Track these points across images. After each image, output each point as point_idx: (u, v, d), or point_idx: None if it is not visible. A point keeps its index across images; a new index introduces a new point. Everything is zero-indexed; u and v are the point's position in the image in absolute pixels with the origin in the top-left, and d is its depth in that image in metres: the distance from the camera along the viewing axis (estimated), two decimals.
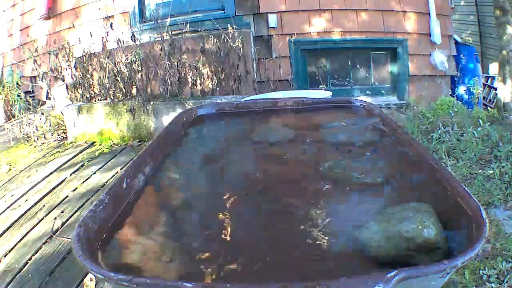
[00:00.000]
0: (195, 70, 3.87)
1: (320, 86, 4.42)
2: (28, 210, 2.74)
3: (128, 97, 3.95)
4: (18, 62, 5.02)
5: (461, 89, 4.57)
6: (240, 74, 3.94)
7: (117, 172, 3.24)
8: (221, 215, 1.28)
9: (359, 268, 0.95)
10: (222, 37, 3.90)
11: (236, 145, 1.96)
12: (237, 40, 3.88)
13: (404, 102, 4.40)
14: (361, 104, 2.12)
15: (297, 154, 1.78)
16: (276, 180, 1.50)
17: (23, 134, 4.12)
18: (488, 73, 6.49)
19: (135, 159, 1.44)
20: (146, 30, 4.60)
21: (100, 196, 1.14)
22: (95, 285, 1.90)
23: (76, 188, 3.01)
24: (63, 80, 4.22)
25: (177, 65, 3.81)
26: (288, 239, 1.10)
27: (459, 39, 5.10)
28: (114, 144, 3.85)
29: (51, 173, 3.32)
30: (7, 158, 3.79)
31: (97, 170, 3.31)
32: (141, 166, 1.43)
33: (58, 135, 4.15)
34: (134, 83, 3.93)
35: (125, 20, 4.66)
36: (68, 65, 4.17)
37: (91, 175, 3.21)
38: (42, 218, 2.60)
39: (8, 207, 2.80)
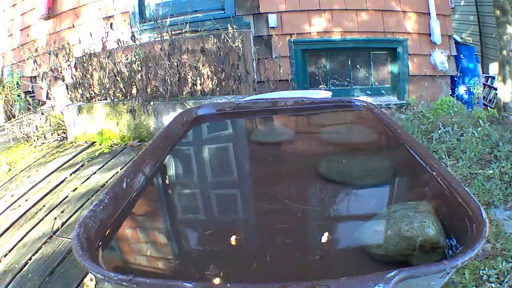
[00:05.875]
0: (195, 70, 3.86)
1: (320, 86, 4.42)
2: (28, 210, 2.73)
3: (128, 97, 3.94)
4: (18, 62, 5.01)
5: (461, 89, 4.57)
6: (240, 74, 3.94)
7: (117, 172, 3.23)
8: (220, 215, 1.28)
9: (359, 268, 0.95)
10: (222, 37, 3.90)
11: (236, 145, 1.96)
12: (237, 40, 3.88)
13: (404, 102, 4.40)
14: (361, 104, 2.12)
15: (296, 154, 1.79)
16: (276, 180, 1.50)
17: (23, 134, 4.12)
18: (488, 73, 6.48)
19: (135, 159, 1.44)
20: (146, 30, 4.60)
21: (100, 196, 1.14)
22: (95, 285, 1.90)
23: (76, 188, 3.01)
24: (63, 80, 4.22)
25: (177, 65, 3.80)
26: (288, 239, 1.10)
27: (459, 39, 5.10)
28: (114, 144, 3.85)
29: (51, 173, 3.32)
30: (7, 158, 3.78)
31: (97, 170, 3.30)
32: (141, 166, 1.43)
33: (58, 135, 4.15)
34: (134, 83, 3.93)
35: (125, 20, 4.66)
36: (68, 65, 4.16)
37: (91, 175, 3.21)
38: (42, 218, 2.60)
39: (8, 207, 2.80)
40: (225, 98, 3.74)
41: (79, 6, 4.95)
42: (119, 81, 3.89)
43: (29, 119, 4.20)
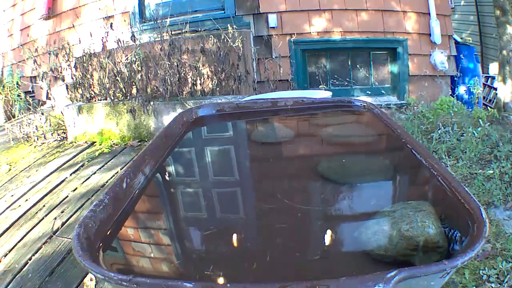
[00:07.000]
0: (195, 70, 3.86)
1: (320, 86, 4.42)
2: (28, 210, 2.73)
3: (128, 97, 3.94)
4: (18, 62, 5.01)
5: (461, 89, 4.57)
6: (240, 74, 3.94)
7: (117, 172, 3.23)
8: (221, 215, 1.28)
9: (359, 268, 0.95)
10: (222, 37, 3.90)
11: (236, 145, 1.96)
12: (237, 40, 3.88)
13: (404, 102, 4.40)
14: (361, 104, 2.12)
15: (296, 154, 1.79)
16: (276, 179, 1.50)
17: (23, 134, 4.12)
18: (488, 73, 6.48)
19: (135, 159, 1.44)
20: (146, 30, 4.60)
21: (100, 196, 1.14)
22: (95, 285, 1.90)
23: (76, 188, 3.01)
24: (63, 80, 4.22)
25: (177, 65, 3.80)
26: (288, 239, 1.10)
27: (459, 39, 5.10)
28: (114, 144, 3.85)
29: (51, 173, 3.32)
30: (7, 158, 3.78)
31: (97, 170, 3.30)
32: (141, 166, 1.43)
33: (58, 135, 4.15)
34: (134, 83, 3.93)
35: (125, 20, 4.66)
36: (68, 65, 4.16)
37: (91, 175, 3.21)
38: (42, 218, 2.60)
39: (8, 207, 2.80)
40: (225, 98, 3.74)
41: (79, 6, 4.95)
42: (119, 81, 3.89)
43: (29, 119, 4.20)
